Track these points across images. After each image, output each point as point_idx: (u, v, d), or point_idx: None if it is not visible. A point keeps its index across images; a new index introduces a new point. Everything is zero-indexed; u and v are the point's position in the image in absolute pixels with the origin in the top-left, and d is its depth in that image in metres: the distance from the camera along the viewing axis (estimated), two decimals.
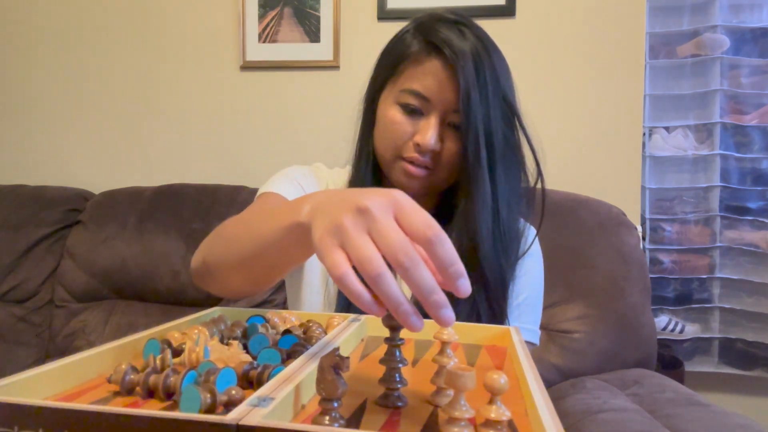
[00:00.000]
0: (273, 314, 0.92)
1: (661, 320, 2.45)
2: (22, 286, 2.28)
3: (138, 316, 2.18)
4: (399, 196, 0.57)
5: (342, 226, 0.55)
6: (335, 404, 0.50)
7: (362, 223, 0.55)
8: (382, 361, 0.60)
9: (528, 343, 1.22)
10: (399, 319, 0.53)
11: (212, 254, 0.90)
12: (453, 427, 0.48)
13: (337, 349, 0.51)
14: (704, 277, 2.44)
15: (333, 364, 0.49)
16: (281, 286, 2.10)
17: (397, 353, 0.60)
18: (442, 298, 0.53)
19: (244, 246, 0.80)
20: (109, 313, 2.21)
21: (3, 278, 2.27)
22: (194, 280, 1.00)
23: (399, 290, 0.53)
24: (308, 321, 0.88)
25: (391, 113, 1.13)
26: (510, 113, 1.12)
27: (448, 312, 0.53)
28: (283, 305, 2.02)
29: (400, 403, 0.57)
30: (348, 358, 0.50)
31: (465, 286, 0.55)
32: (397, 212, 0.56)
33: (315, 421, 0.49)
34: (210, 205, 2.26)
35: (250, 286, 0.86)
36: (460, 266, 0.54)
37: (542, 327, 1.29)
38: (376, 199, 0.57)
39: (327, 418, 0.49)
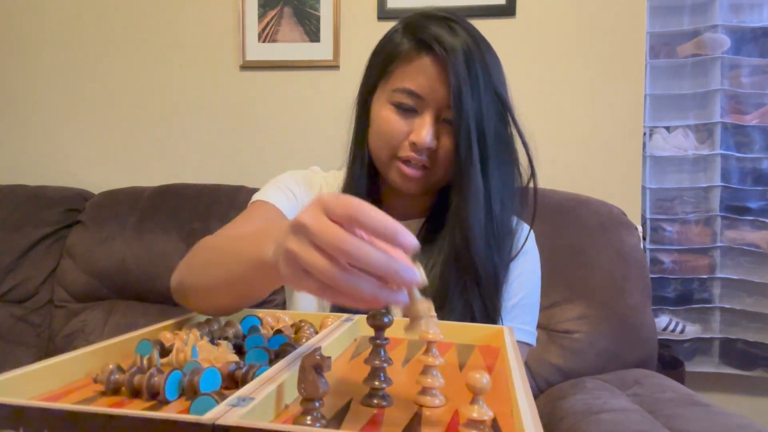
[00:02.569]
0: (266, 314, 0.92)
1: (662, 320, 2.45)
2: (22, 286, 2.28)
3: (138, 316, 2.18)
4: (323, 195, 0.58)
5: (290, 250, 0.57)
6: (317, 404, 0.49)
7: (302, 237, 0.57)
8: (366, 361, 0.59)
9: (524, 344, 1.22)
10: (396, 280, 0.54)
11: (187, 278, 0.92)
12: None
13: (319, 348, 0.51)
14: (704, 277, 2.44)
15: (314, 364, 0.49)
16: (281, 287, 2.10)
17: (382, 352, 0.60)
18: (399, 263, 0.53)
19: (214, 276, 0.83)
20: (109, 313, 2.21)
21: (3, 278, 2.27)
22: (173, 296, 1.01)
23: (374, 260, 0.53)
24: (300, 321, 0.88)
25: (384, 113, 1.12)
26: (502, 108, 1.12)
27: (409, 271, 0.54)
28: (283, 305, 2.02)
29: (384, 403, 0.57)
30: (329, 357, 0.50)
31: (407, 239, 0.55)
32: (325, 210, 0.57)
33: (296, 421, 0.49)
34: (210, 205, 2.25)
35: (224, 310, 0.87)
36: (393, 224, 0.54)
37: (542, 327, 1.29)
38: (306, 209, 0.58)
39: (309, 418, 0.49)
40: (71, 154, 2.69)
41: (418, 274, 0.54)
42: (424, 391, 0.58)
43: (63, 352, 1.88)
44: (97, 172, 2.66)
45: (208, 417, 0.42)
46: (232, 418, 0.42)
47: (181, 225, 2.23)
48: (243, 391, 0.49)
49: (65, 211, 2.40)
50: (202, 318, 0.90)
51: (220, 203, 2.25)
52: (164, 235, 2.23)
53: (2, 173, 2.70)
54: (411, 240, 0.55)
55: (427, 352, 0.61)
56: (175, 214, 2.26)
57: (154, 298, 2.21)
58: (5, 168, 2.72)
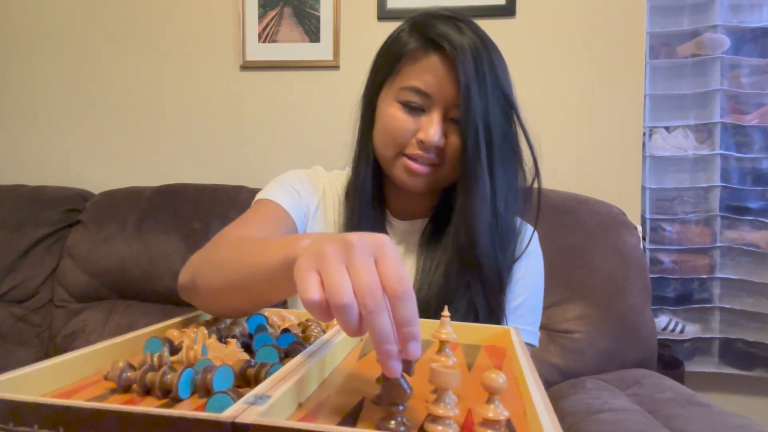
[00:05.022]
0: (272, 313, 0.92)
1: (661, 320, 2.45)
2: (22, 286, 2.28)
3: (138, 316, 2.18)
4: (386, 241, 0.58)
5: (323, 253, 0.56)
6: (401, 408, 0.49)
7: (343, 254, 0.56)
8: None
9: (527, 344, 1.22)
10: (378, 357, 0.53)
11: (202, 275, 0.88)
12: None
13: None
14: (704, 277, 2.44)
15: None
16: None
17: None
18: (395, 349, 0.52)
19: (236, 273, 0.80)
20: (109, 313, 2.20)
21: (3, 278, 2.27)
22: (180, 294, 0.98)
23: (381, 330, 0.53)
24: (307, 320, 0.88)
25: (391, 111, 1.12)
26: (508, 108, 1.12)
27: (397, 364, 0.52)
28: (284, 305, 2.01)
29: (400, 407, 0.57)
30: (413, 362, 0.49)
31: (415, 350, 0.54)
32: (379, 256, 0.56)
33: (379, 425, 0.49)
34: (210, 205, 2.25)
35: (235, 311, 0.85)
36: (416, 329, 0.54)
37: (542, 327, 1.29)
38: (364, 237, 0.57)
39: (393, 422, 0.49)
40: (71, 154, 2.69)
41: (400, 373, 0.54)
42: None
43: (63, 352, 1.88)
44: (97, 172, 2.66)
45: (227, 415, 0.42)
46: (250, 416, 0.42)
47: (181, 225, 2.23)
48: (259, 389, 0.49)
49: (65, 211, 2.40)
50: (208, 317, 0.90)
51: (220, 203, 2.25)
52: (164, 235, 2.23)
53: (2, 173, 2.70)
54: (418, 353, 0.54)
55: (440, 352, 0.61)
56: (175, 214, 2.26)
57: (155, 298, 2.20)
58: (5, 168, 2.72)
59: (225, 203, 2.24)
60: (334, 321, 0.86)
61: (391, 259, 0.56)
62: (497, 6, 2.33)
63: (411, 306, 0.54)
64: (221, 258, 0.89)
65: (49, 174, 2.67)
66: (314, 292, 0.55)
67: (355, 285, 0.54)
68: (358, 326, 0.54)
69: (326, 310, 0.55)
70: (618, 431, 1.33)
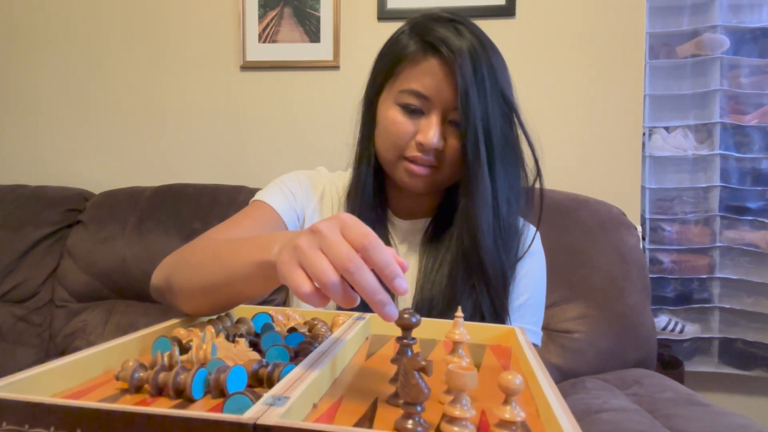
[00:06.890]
0: (277, 312, 0.92)
1: (661, 320, 2.45)
2: (22, 286, 2.27)
3: (138, 316, 2.17)
4: (343, 215, 0.65)
5: (298, 247, 0.62)
6: (419, 408, 0.49)
7: (314, 241, 0.62)
8: (393, 361, 0.59)
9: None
10: (374, 309, 0.60)
11: (178, 276, 0.92)
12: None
13: (419, 353, 0.50)
14: (704, 277, 2.44)
15: (418, 368, 0.49)
16: (282, 286, 2.10)
17: (409, 353, 0.60)
18: (386, 297, 0.59)
19: (211, 274, 0.84)
20: (109, 313, 2.20)
21: (3, 278, 2.26)
22: (153, 294, 1.03)
23: (367, 285, 0.59)
24: (313, 319, 0.88)
25: (391, 114, 1.13)
26: (508, 110, 1.12)
27: (392, 309, 0.59)
28: (284, 305, 2.02)
29: (419, 408, 0.57)
30: (431, 362, 0.50)
31: (401, 286, 0.60)
32: (342, 228, 0.62)
33: (398, 424, 0.49)
34: (210, 205, 2.25)
35: (209, 309, 0.88)
36: (395, 267, 0.60)
37: (542, 327, 1.29)
38: (326, 221, 0.64)
39: (410, 422, 0.49)
40: (71, 154, 2.68)
41: (397, 316, 0.61)
42: (450, 391, 0.58)
43: (64, 351, 1.87)
44: (97, 172, 2.65)
45: (248, 416, 0.41)
46: (272, 418, 0.42)
47: (181, 225, 2.23)
48: (276, 390, 0.49)
49: (65, 211, 2.39)
50: (213, 315, 0.90)
51: (220, 203, 2.25)
52: (164, 235, 2.22)
53: (2, 173, 2.69)
54: (404, 287, 0.60)
55: (453, 352, 0.61)
56: (175, 214, 2.26)
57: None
58: (5, 168, 2.71)
59: (225, 203, 2.24)
60: (339, 321, 0.87)
61: (352, 225, 0.63)
62: (497, 6, 2.33)
63: (382, 250, 0.60)
64: (197, 261, 0.92)
65: (49, 174, 2.66)
66: (305, 286, 0.61)
67: (333, 260, 0.60)
68: (352, 295, 0.61)
69: (321, 295, 0.61)
70: (618, 431, 1.33)
